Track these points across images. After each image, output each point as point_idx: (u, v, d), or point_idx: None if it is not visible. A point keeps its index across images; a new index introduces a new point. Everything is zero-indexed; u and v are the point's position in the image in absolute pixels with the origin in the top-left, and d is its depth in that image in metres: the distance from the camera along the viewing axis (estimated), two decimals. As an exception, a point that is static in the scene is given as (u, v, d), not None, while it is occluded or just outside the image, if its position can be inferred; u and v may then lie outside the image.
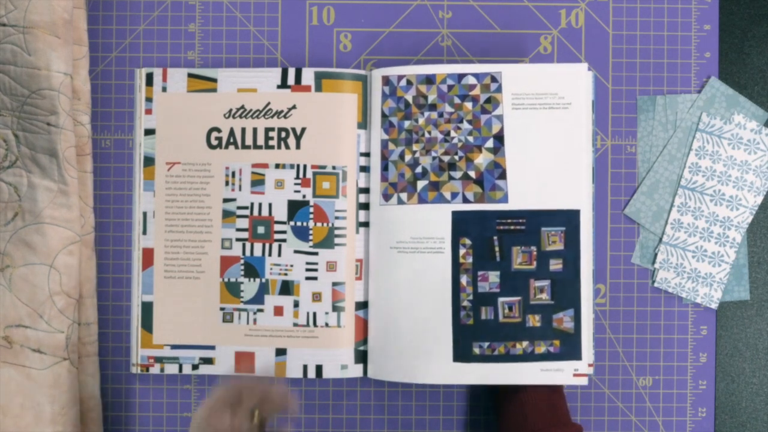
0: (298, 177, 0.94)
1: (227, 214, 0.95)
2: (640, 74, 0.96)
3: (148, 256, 0.95)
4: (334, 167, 0.94)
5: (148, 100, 0.95)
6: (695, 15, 0.96)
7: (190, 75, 0.95)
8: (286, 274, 0.94)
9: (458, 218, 0.91)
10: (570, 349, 0.89)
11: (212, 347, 0.94)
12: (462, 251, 0.90)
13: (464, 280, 0.90)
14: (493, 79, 0.91)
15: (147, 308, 0.94)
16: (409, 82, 0.92)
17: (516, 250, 0.90)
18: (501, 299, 0.90)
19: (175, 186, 0.95)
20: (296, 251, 0.94)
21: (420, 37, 0.96)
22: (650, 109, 0.96)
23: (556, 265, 0.89)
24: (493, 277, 0.90)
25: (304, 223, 0.94)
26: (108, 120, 0.96)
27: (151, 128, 0.95)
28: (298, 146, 0.94)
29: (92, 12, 0.96)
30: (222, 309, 0.94)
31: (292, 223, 0.94)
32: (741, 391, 0.96)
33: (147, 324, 0.94)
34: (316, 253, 0.94)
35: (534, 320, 0.90)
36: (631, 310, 0.95)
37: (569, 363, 0.89)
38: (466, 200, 0.91)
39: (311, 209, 0.94)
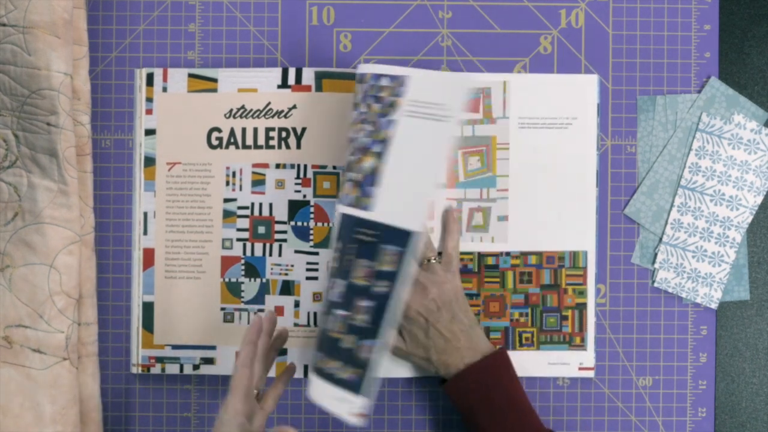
0: (298, 177, 0.94)
1: (228, 214, 0.95)
2: (640, 74, 0.96)
3: (148, 256, 0.94)
4: (334, 167, 0.94)
5: (149, 100, 0.95)
6: (695, 15, 0.96)
7: (190, 75, 0.94)
8: (286, 274, 0.94)
9: (342, 221, 0.87)
10: (358, 383, 0.82)
11: (213, 347, 0.94)
12: (334, 255, 0.87)
13: (328, 285, 0.87)
14: (401, 84, 0.86)
15: (148, 308, 0.94)
16: (359, 81, 0.89)
17: (360, 263, 0.84)
18: (337, 311, 0.85)
19: (176, 186, 0.95)
20: (297, 251, 0.94)
21: (420, 37, 0.96)
22: (650, 109, 0.96)
23: (384, 287, 0.82)
24: (340, 286, 0.85)
25: (305, 223, 0.94)
26: (108, 120, 0.96)
27: (151, 128, 0.95)
28: (298, 146, 0.94)
29: (92, 12, 0.96)
30: (223, 309, 0.94)
31: (292, 223, 0.94)
32: (741, 391, 0.96)
33: (148, 324, 0.94)
34: (316, 253, 0.94)
35: (348, 341, 0.83)
36: (631, 310, 0.95)
37: (354, 397, 0.82)
38: (349, 203, 0.87)
39: (312, 209, 0.94)
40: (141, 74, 0.94)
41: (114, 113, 0.96)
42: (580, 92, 0.94)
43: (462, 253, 0.94)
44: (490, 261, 0.94)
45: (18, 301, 0.88)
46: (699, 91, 0.96)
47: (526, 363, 0.94)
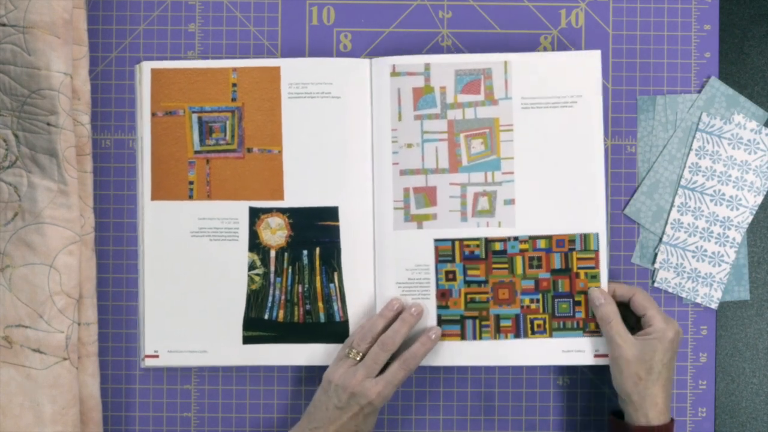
0: None
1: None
2: (640, 74, 0.96)
3: None
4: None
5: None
6: (695, 15, 0.96)
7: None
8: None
9: None
10: None
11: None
12: None
13: None
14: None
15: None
16: None
17: None
18: None
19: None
20: None
21: (420, 37, 0.96)
22: (650, 109, 0.96)
23: None
24: None
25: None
26: (108, 120, 0.96)
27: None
28: None
29: (92, 12, 0.96)
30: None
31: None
32: (741, 391, 0.96)
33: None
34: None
35: None
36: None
37: None
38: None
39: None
40: (141, 69, 0.94)
41: (114, 113, 0.96)
42: (583, 69, 0.92)
43: (468, 239, 0.92)
44: (498, 246, 0.91)
45: (18, 301, 0.88)
46: (699, 91, 0.96)
47: (540, 351, 0.91)
